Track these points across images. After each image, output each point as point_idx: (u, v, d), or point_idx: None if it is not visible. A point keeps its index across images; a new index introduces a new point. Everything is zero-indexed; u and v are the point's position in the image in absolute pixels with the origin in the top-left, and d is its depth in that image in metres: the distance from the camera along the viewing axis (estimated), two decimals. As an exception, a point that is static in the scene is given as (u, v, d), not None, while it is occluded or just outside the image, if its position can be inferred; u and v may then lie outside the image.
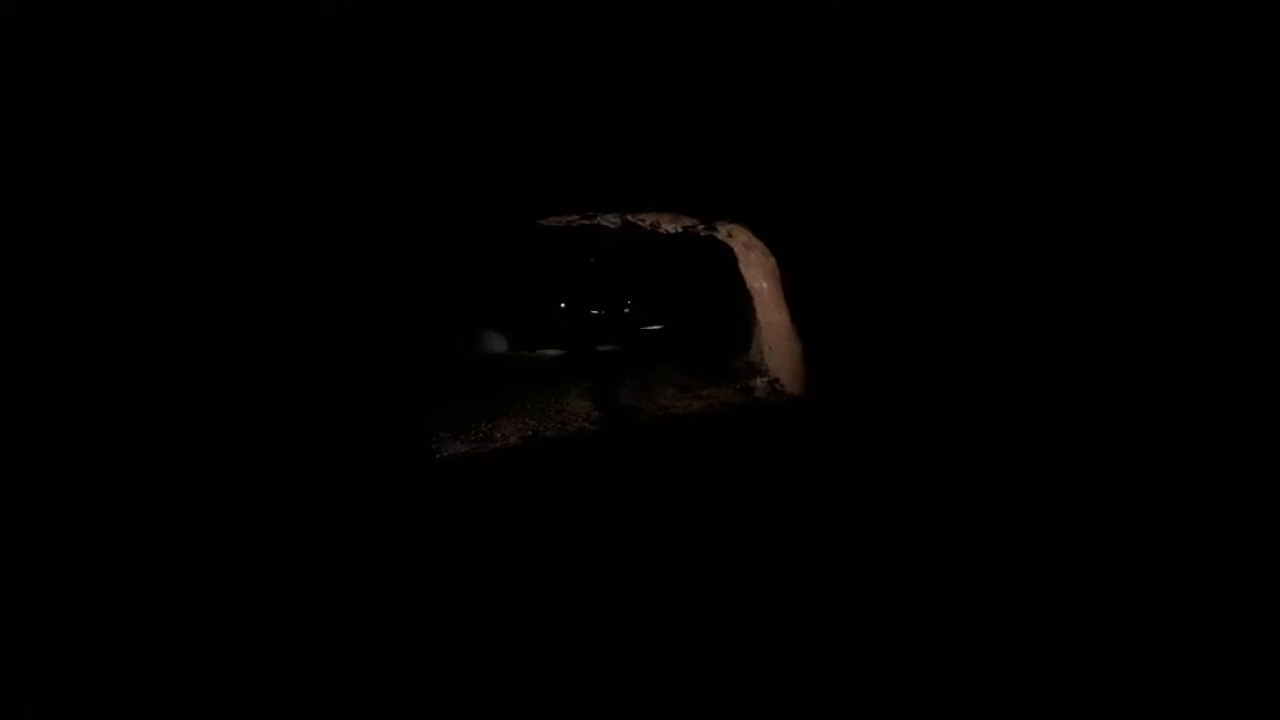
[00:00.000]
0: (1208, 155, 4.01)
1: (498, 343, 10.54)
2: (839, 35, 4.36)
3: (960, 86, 4.59)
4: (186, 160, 3.44)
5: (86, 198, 3.10)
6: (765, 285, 6.35)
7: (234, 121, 3.57)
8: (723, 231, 6.14)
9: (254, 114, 3.64)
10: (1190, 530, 2.90)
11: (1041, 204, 4.58)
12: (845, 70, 4.54)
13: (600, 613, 2.61)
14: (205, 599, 2.74)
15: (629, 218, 6.03)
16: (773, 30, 4.26)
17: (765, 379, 6.62)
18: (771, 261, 5.69)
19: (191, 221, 3.44)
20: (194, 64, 3.38)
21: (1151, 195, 4.20)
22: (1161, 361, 4.06)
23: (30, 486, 2.78)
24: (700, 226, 6.05)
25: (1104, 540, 2.91)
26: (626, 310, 10.93)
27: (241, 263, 3.61)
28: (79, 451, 2.94)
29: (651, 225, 6.48)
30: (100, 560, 2.80)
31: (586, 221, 6.09)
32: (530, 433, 5.40)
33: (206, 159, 3.50)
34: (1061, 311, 4.53)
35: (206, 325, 3.46)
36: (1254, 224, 3.84)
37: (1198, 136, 4.03)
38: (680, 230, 6.41)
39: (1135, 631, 2.27)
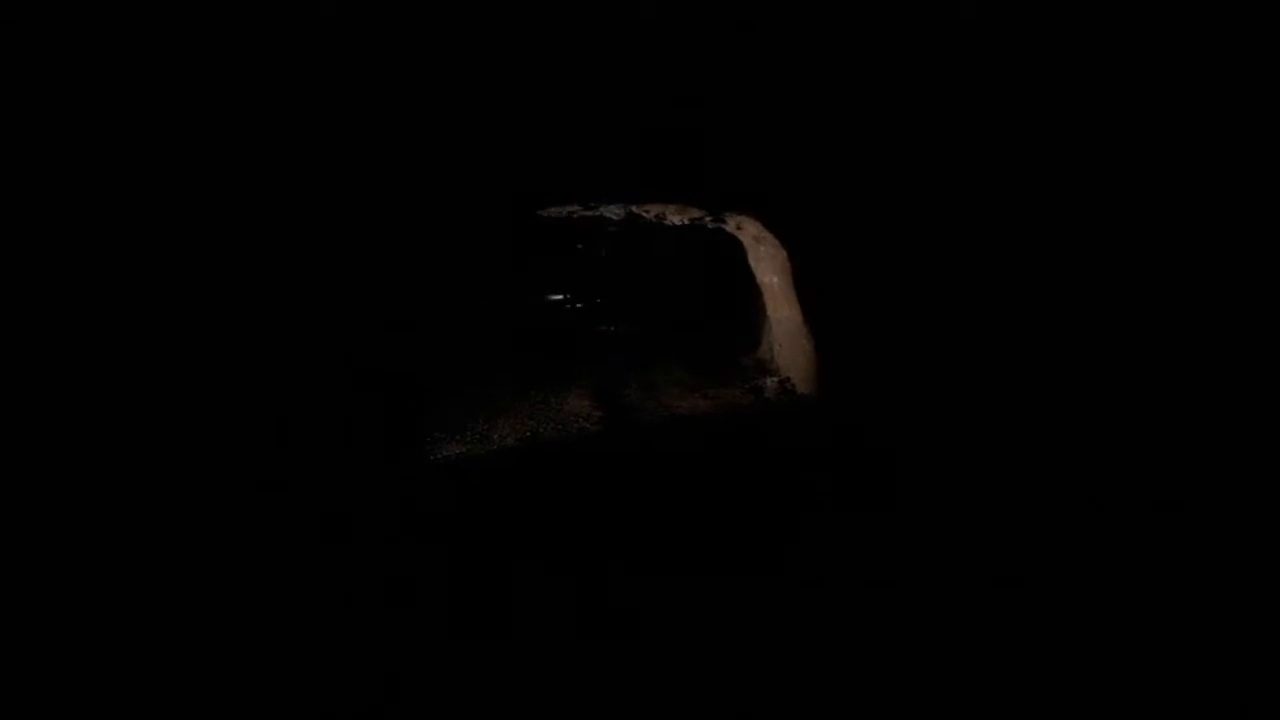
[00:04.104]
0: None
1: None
2: (851, 21, 4.08)
3: (981, 78, 4.29)
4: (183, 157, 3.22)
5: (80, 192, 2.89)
6: (775, 280, 6.07)
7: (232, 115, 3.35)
8: (732, 223, 5.86)
9: (255, 108, 3.41)
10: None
11: (1076, 193, 4.27)
12: (859, 55, 4.26)
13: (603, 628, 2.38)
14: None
15: (633, 209, 5.77)
16: (791, 10, 3.98)
17: (775, 379, 6.35)
18: (783, 255, 5.41)
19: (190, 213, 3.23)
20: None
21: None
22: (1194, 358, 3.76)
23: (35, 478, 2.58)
24: (708, 218, 5.78)
25: (1146, 555, 2.64)
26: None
27: (241, 247, 3.40)
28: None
29: (656, 217, 6.21)
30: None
31: (588, 213, 5.83)
32: (528, 433, 5.17)
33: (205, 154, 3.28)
34: (1097, 307, 4.23)
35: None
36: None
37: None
38: (687, 222, 6.14)
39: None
